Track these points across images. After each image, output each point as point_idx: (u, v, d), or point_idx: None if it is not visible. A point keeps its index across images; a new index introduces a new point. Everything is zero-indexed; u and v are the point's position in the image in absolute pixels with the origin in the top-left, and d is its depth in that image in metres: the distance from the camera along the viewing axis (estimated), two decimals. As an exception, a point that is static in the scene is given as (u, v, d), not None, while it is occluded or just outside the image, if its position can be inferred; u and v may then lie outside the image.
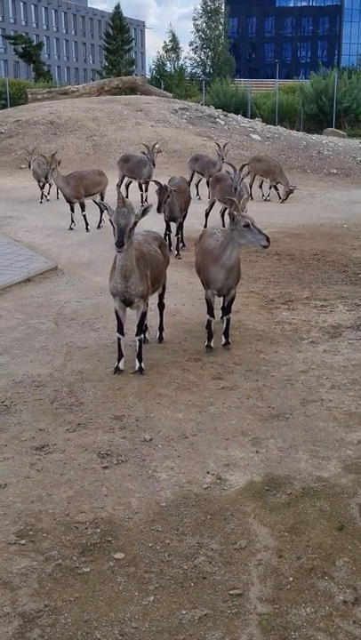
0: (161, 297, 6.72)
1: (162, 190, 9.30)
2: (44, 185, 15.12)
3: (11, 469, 4.34)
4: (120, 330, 5.91)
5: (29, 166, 15.54)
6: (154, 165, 11.49)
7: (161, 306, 6.74)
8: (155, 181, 9.62)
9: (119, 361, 5.89)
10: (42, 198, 15.31)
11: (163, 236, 10.28)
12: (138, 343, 5.88)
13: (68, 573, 3.42)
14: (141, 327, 5.93)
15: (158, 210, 9.12)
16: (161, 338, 6.67)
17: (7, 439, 4.71)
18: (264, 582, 3.37)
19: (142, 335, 5.94)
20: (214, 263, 6.14)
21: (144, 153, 13.24)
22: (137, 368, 5.86)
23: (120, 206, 5.35)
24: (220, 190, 11.31)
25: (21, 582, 3.35)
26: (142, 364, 5.88)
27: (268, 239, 5.81)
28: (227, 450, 4.61)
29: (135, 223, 5.41)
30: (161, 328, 6.72)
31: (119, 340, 5.91)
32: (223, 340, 6.49)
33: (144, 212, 5.55)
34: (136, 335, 5.89)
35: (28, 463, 4.41)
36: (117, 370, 5.85)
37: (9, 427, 4.90)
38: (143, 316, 5.90)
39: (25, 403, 5.29)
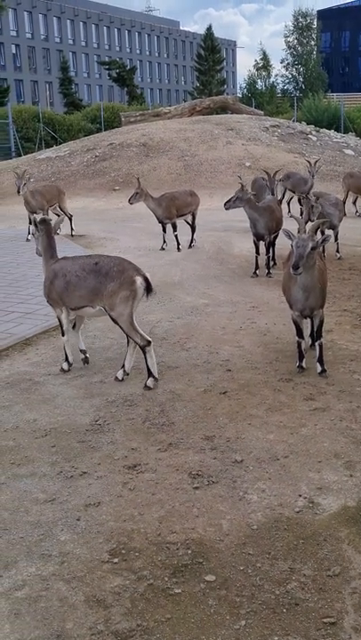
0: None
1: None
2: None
3: (104, 488, 4.42)
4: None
5: (18, 192, 13.75)
6: (273, 194, 11.56)
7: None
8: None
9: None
10: (29, 234, 13.64)
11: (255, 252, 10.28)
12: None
13: (160, 594, 3.44)
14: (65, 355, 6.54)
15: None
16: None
17: (100, 458, 4.81)
18: (359, 611, 3.28)
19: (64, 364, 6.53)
20: (294, 283, 6.08)
21: (264, 179, 12.89)
22: None
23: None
24: None
25: (114, 601, 3.39)
26: None
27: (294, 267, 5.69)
28: (319, 473, 4.53)
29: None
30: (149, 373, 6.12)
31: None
32: (319, 369, 6.20)
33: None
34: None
35: (121, 482, 4.48)
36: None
37: (102, 445, 5.00)
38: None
39: (118, 422, 5.38)
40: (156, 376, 6.09)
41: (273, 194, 11.57)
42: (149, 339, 6.06)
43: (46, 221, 6.54)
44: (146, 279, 5.97)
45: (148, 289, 5.99)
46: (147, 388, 6.00)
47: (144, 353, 6.02)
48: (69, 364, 6.49)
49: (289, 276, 6.10)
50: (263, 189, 12.06)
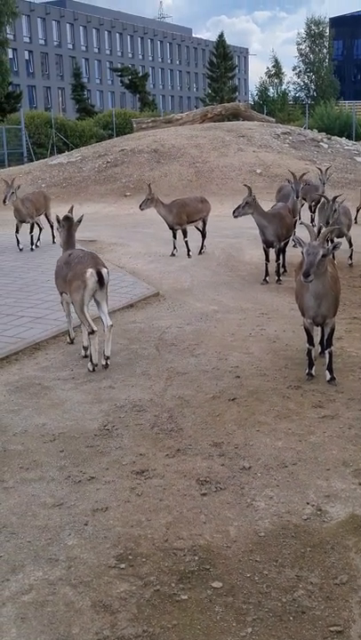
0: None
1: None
2: (32, 228, 13.60)
3: (111, 493, 4.42)
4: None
5: (4, 202, 13.27)
6: (297, 197, 11.47)
7: None
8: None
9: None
10: (32, 245, 13.51)
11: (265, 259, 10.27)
12: None
13: (167, 600, 3.44)
14: None
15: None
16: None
17: (108, 463, 4.81)
18: (366, 620, 3.26)
19: None
20: (306, 290, 6.07)
21: (289, 181, 12.56)
22: None
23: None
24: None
25: (121, 606, 3.39)
26: None
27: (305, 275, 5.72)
28: (327, 481, 4.51)
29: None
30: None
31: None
32: (328, 376, 6.19)
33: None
34: None
35: (129, 487, 4.48)
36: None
37: (110, 450, 5.00)
38: None
39: (126, 427, 5.39)
40: (95, 362, 6.65)
41: (298, 196, 11.54)
42: (95, 329, 6.63)
43: (69, 219, 7.30)
44: (98, 273, 6.55)
45: (101, 282, 6.58)
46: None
47: (88, 338, 6.78)
48: (70, 336, 7.47)
49: (301, 283, 6.09)
50: (289, 197, 11.86)
